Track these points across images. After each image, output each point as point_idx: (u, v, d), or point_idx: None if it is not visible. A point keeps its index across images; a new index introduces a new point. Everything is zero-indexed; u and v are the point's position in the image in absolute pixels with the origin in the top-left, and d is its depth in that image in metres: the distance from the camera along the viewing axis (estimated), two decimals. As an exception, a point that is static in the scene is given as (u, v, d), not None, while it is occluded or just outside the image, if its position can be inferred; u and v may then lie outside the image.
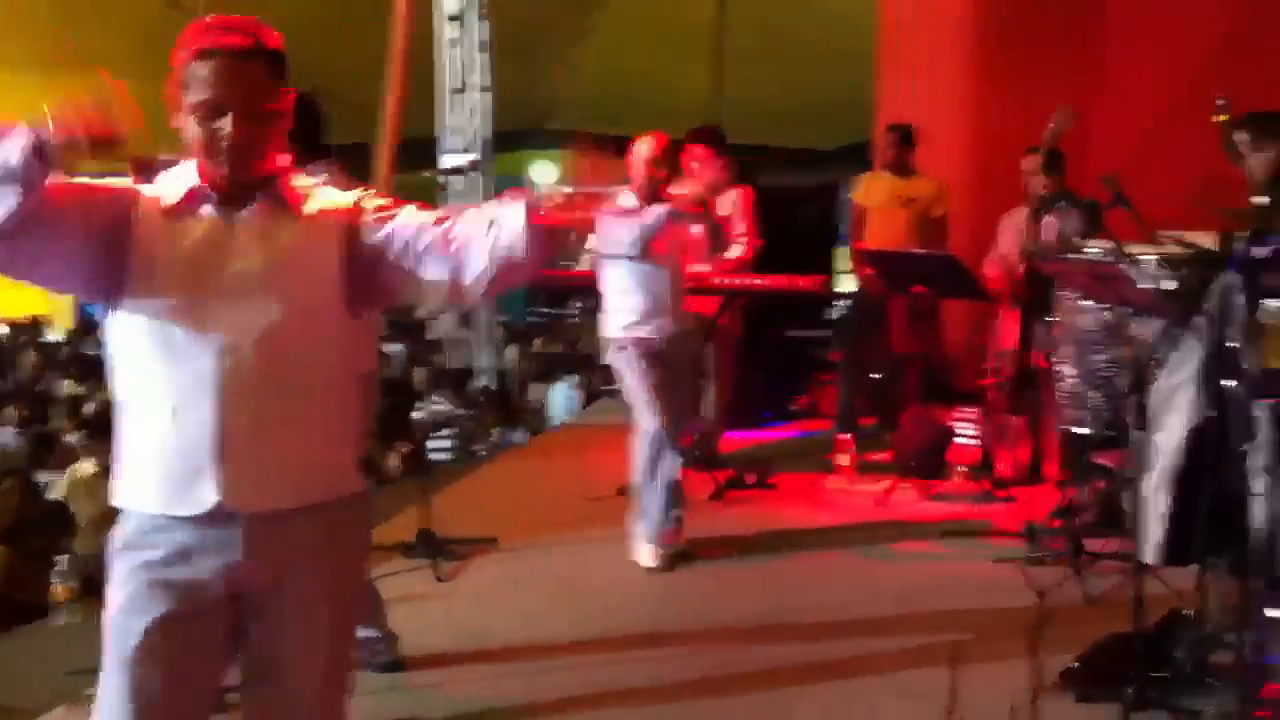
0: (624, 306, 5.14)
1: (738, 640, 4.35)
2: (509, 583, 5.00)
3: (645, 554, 5.10)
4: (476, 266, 2.17)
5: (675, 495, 5.12)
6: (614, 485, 5.92)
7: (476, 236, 2.17)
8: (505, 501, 6.36)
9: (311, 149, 3.65)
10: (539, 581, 5.02)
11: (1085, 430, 5.06)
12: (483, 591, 4.90)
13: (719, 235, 5.20)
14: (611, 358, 5.25)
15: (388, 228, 2.24)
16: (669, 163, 5.21)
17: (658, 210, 5.06)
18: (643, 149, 5.12)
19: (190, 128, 2.15)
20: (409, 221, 2.25)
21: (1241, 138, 4.50)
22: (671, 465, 5.07)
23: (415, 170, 10.00)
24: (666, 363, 5.14)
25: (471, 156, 9.54)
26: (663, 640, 4.36)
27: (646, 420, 5.08)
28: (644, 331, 5.12)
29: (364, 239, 2.23)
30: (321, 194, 2.29)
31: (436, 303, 2.20)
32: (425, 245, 2.20)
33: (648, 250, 5.06)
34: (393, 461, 7.87)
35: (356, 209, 2.27)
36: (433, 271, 2.21)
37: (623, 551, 5.17)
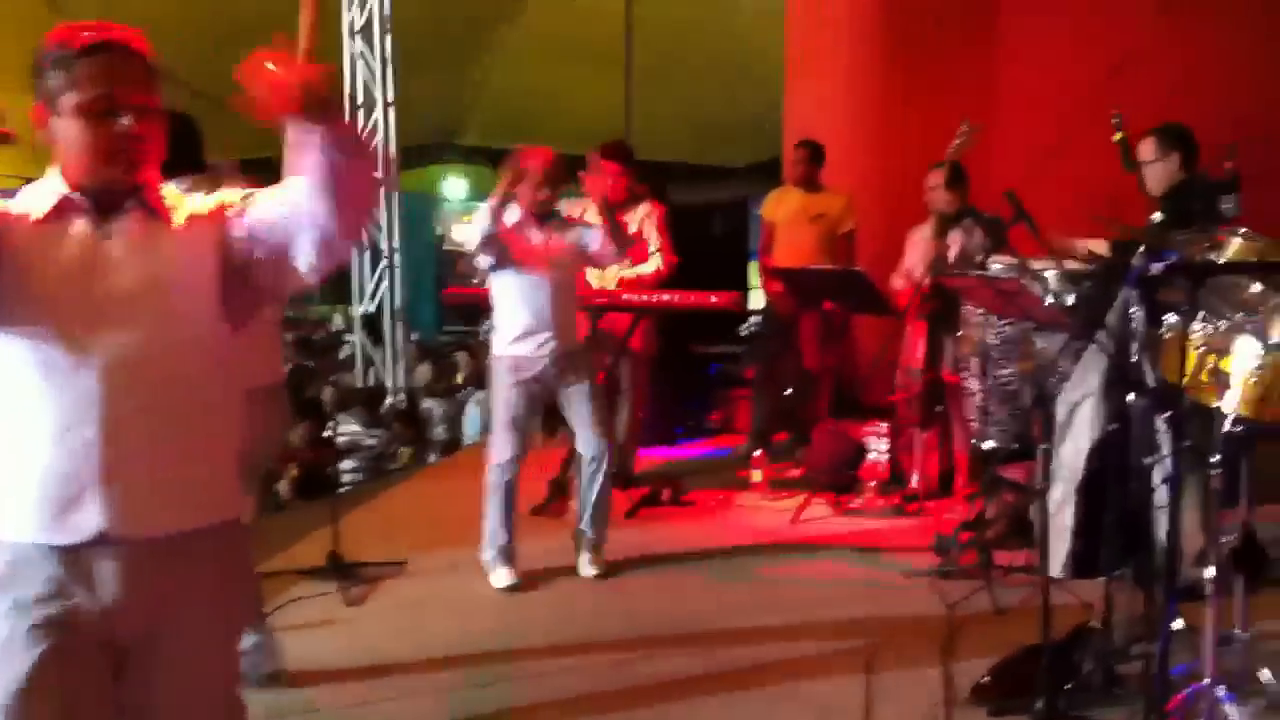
0: (505, 323, 5.08)
1: (649, 657, 4.32)
2: (418, 606, 4.92)
3: (499, 577, 5.06)
4: (309, 180, 2.03)
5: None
6: (526, 504, 5.85)
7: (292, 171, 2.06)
8: (416, 523, 6.26)
9: (188, 165, 3.61)
10: (448, 604, 4.94)
11: (992, 444, 5.12)
12: (391, 615, 4.81)
13: (620, 233, 5.15)
14: (491, 377, 5.21)
15: (250, 214, 2.15)
16: (556, 179, 5.13)
17: (486, 205, 4.98)
18: (542, 160, 5.06)
19: (71, 131, 2.07)
20: (266, 198, 2.16)
21: (1148, 147, 4.61)
22: (508, 494, 5.06)
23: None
24: (549, 383, 5.09)
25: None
26: (573, 658, 4.31)
27: (498, 449, 5.05)
28: (523, 349, 5.05)
29: (233, 236, 2.15)
30: (187, 203, 2.22)
31: (320, 263, 2.06)
32: (284, 211, 2.10)
33: (504, 258, 4.99)
34: (284, 485, 7.69)
35: (220, 210, 2.19)
36: (298, 231, 2.09)
37: (532, 571, 5.13)
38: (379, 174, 2.05)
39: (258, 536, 4.38)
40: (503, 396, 5.07)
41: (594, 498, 5.22)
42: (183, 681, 2.17)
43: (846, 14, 8.44)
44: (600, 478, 5.18)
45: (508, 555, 5.08)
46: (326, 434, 8.07)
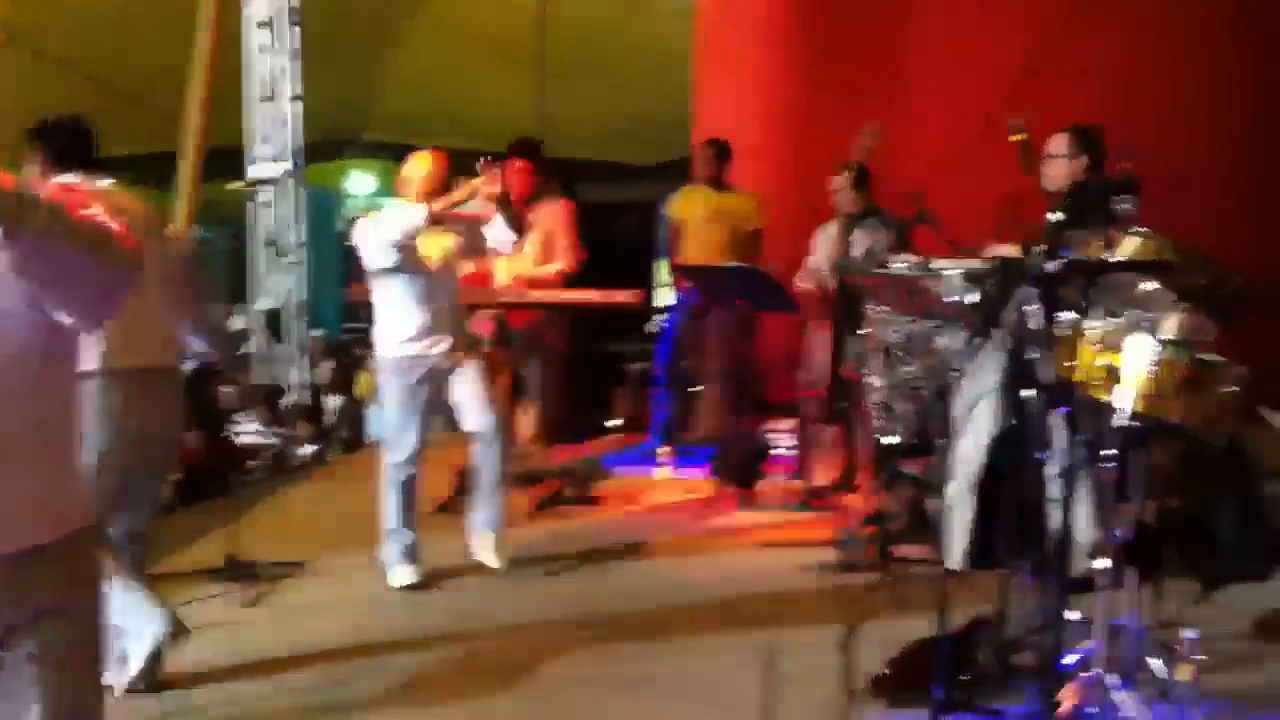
0: (397, 323, 4.99)
1: (551, 654, 4.29)
2: (318, 606, 4.84)
3: (400, 575, 5.00)
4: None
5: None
6: (433, 502, 5.80)
7: None
8: (317, 522, 6.17)
9: (77, 164, 3.61)
10: (345, 604, 4.87)
11: (894, 439, 5.19)
12: (291, 615, 4.72)
13: (476, 235, 5.17)
14: (380, 378, 5.13)
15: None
16: (445, 181, 5.03)
17: (417, 211, 4.88)
18: (417, 168, 5.01)
19: None
20: None
21: (1060, 142, 4.70)
22: (407, 492, 5.01)
23: (224, 181, 9.64)
24: (440, 379, 5.03)
25: (284, 166, 9.25)
26: (475, 655, 4.28)
27: (394, 448, 5.01)
28: (417, 349, 4.98)
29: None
30: None
31: (80, 323, 1.99)
32: None
33: (408, 259, 4.92)
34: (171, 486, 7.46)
35: None
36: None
37: (437, 569, 5.09)
38: (122, 252, 1.91)
39: (155, 537, 4.31)
40: (396, 396, 5.00)
41: (485, 478, 5.14)
42: (41, 683, 2.09)
43: (758, 16, 8.51)
44: (492, 456, 5.11)
45: (409, 553, 5.02)
46: (225, 434, 7.92)
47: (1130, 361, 3.16)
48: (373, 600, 4.89)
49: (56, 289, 1.91)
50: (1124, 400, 3.18)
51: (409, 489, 5.01)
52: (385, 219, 4.95)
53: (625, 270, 8.58)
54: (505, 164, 6.48)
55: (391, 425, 5.07)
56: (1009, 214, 4.27)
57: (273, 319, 9.95)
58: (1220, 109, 8.14)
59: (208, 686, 3.92)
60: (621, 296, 6.48)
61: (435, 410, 5.22)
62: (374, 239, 4.89)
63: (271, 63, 9.28)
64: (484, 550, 5.19)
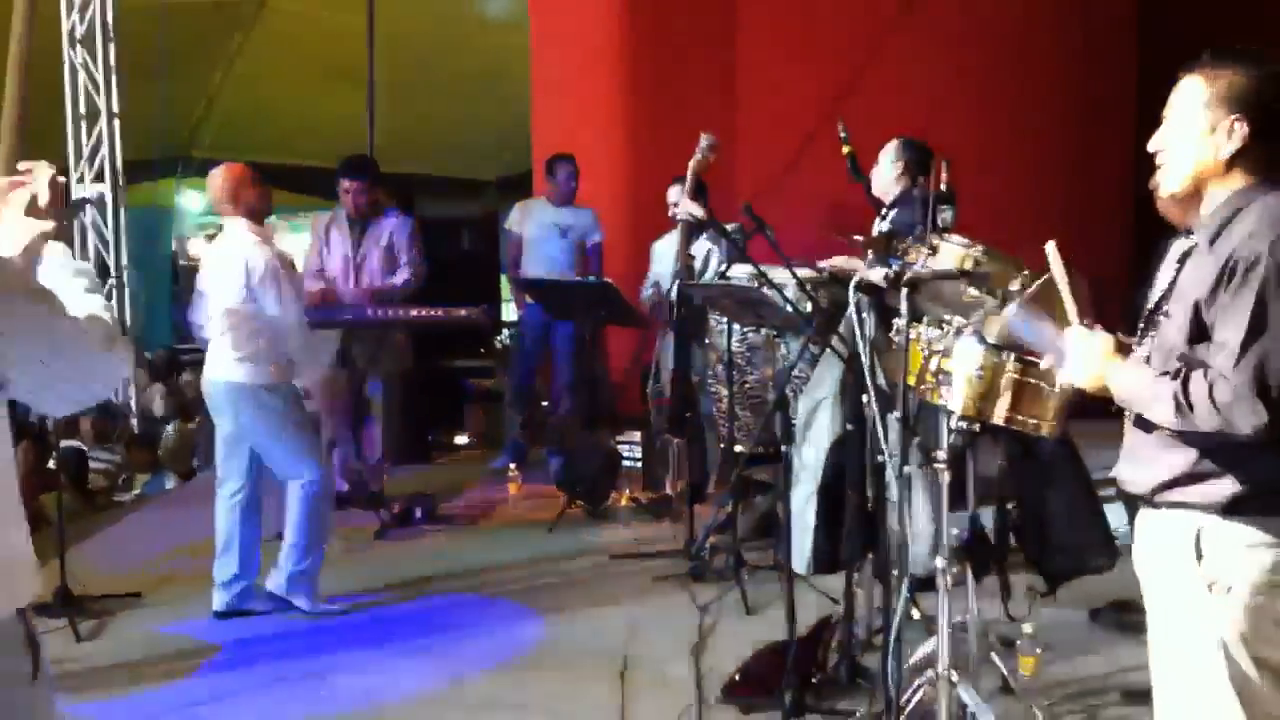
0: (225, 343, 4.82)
1: (399, 673, 4.24)
2: (154, 640, 4.67)
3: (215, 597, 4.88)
4: None
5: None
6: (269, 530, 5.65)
7: None
8: (152, 552, 5.94)
9: None
10: (187, 636, 4.70)
11: (740, 448, 5.27)
12: (126, 650, 4.54)
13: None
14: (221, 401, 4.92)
15: None
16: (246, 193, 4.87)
17: None
18: (216, 180, 4.86)
19: None
20: None
21: (889, 152, 4.84)
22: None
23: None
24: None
25: (102, 187, 8.91)
26: (317, 685, 4.17)
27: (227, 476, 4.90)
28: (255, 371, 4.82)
29: None
30: None
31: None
32: None
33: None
34: None
35: None
36: None
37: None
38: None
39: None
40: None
41: (292, 520, 4.92)
42: None
43: (589, 32, 8.54)
44: (303, 497, 4.90)
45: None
46: (50, 464, 7.56)
47: (959, 365, 3.26)
48: (207, 630, 4.73)
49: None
50: (954, 403, 3.28)
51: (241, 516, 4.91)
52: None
53: (469, 285, 8.53)
54: (338, 184, 6.43)
55: (222, 453, 4.94)
56: (834, 224, 4.38)
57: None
58: (1036, 116, 8.52)
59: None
60: (465, 312, 6.44)
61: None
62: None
63: (89, 80, 8.94)
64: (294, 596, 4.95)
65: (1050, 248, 2.51)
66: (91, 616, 4.81)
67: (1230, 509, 2.20)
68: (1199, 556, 2.22)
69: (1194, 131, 2.25)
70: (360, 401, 6.59)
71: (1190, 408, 2.13)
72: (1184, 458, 2.24)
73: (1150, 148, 2.34)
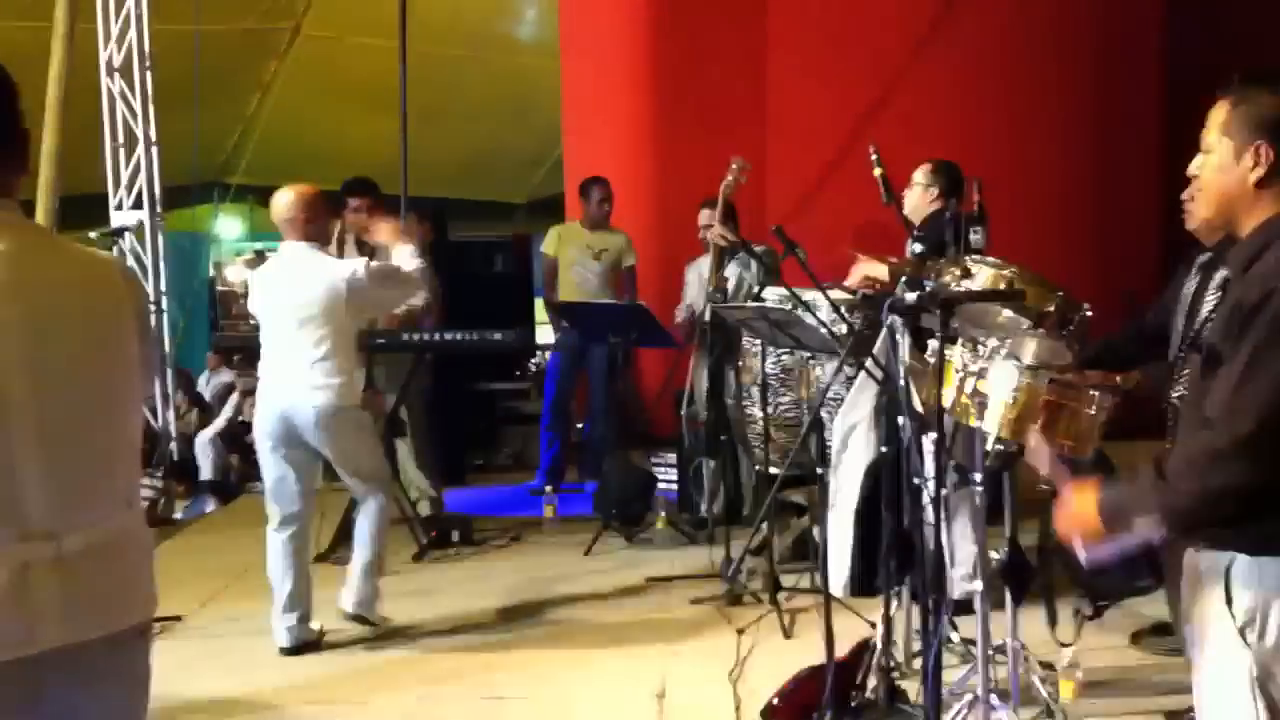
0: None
1: (436, 698, 4.25)
2: (195, 660, 4.70)
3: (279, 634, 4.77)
4: None
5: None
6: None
7: None
8: (192, 574, 5.98)
9: None
10: (226, 658, 4.74)
11: (775, 470, 5.25)
12: (165, 672, 4.56)
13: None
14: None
15: None
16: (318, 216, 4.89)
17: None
18: (289, 202, 4.78)
19: None
20: None
21: (923, 173, 4.84)
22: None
23: (84, 228, 9.36)
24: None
25: (141, 214, 9.00)
26: (354, 708, 4.20)
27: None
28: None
29: None
30: None
31: None
32: None
33: None
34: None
35: None
36: None
37: (315, 622, 4.96)
38: None
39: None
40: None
41: (368, 537, 4.94)
42: None
43: (619, 57, 8.60)
44: (379, 512, 4.95)
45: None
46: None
47: (994, 387, 3.25)
48: (250, 655, 4.76)
49: None
50: (990, 425, 3.27)
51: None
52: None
53: (502, 307, 8.58)
54: (343, 205, 6.45)
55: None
56: (863, 247, 4.38)
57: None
58: (1066, 133, 8.48)
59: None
60: (498, 336, 6.44)
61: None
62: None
63: (126, 108, 9.06)
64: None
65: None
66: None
67: (1260, 547, 2.15)
68: (1229, 601, 2.18)
69: (1223, 158, 2.22)
70: (395, 420, 6.61)
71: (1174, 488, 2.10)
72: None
73: (1190, 172, 2.32)
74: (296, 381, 4.69)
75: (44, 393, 1.91)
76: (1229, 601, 2.18)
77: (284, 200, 4.77)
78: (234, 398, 10.27)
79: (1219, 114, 2.24)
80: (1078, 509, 2.25)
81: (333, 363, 4.70)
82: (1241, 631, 2.17)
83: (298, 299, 4.70)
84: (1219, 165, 2.23)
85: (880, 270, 4.23)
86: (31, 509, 1.89)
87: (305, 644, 4.77)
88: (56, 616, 1.92)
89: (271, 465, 4.78)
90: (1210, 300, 2.37)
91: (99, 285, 2.06)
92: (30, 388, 1.89)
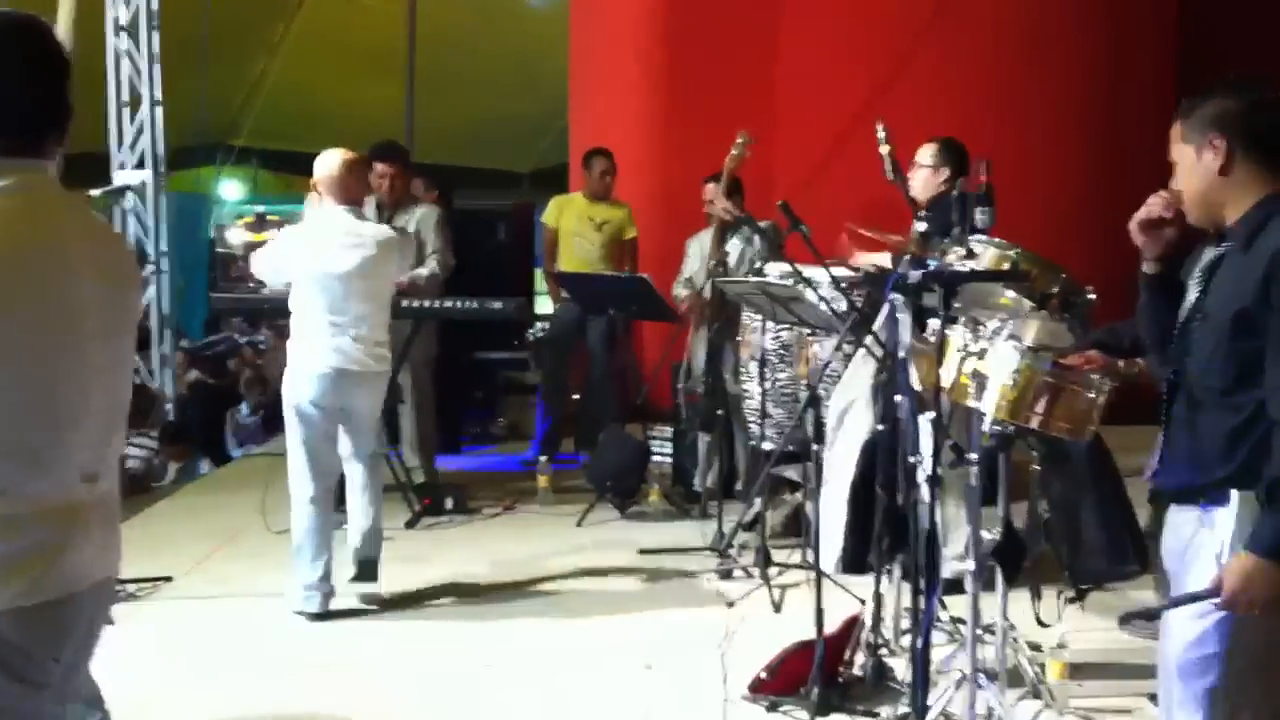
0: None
1: (432, 667, 4.26)
2: (186, 622, 4.72)
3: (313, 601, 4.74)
4: None
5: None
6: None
7: None
8: (184, 536, 5.99)
9: None
10: (217, 620, 4.76)
11: (770, 446, 5.26)
12: (158, 633, 4.59)
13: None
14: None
15: None
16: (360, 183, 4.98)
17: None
18: (335, 164, 4.75)
19: None
20: None
21: (928, 153, 4.82)
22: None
23: (85, 187, 9.34)
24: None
25: (145, 174, 8.98)
26: (347, 674, 4.21)
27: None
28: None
29: None
30: None
31: None
32: None
33: None
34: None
35: None
36: None
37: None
38: None
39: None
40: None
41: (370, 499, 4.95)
42: None
43: (628, 27, 8.56)
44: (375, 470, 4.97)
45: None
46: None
47: (994, 368, 3.25)
48: (239, 616, 4.77)
49: None
50: (988, 406, 3.26)
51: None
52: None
53: (503, 277, 8.56)
54: (370, 168, 6.40)
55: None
56: (869, 224, 4.36)
57: (139, 331, 9.59)
58: (1073, 116, 8.44)
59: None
60: (498, 305, 6.43)
61: None
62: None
63: (132, 67, 9.02)
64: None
65: None
66: (124, 599, 4.84)
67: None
68: (1213, 528, 2.28)
69: (1187, 164, 2.41)
70: (393, 388, 6.59)
71: None
72: (1232, 465, 2.27)
73: (1172, 188, 2.49)
74: (351, 343, 4.70)
75: (106, 356, 2.13)
76: (1213, 530, 2.29)
77: (334, 162, 4.76)
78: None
79: (1174, 131, 2.43)
80: (1257, 584, 2.19)
81: (380, 324, 4.83)
82: (1217, 558, 2.26)
83: (351, 262, 4.69)
84: (1187, 170, 2.41)
85: (883, 259, 4.23)
86: (85, 454, 2.10)
87: (331, 610, 4.77)
88: (99, 550, 2.13)
89: (313, 434, 4.72)
90: (1195, 289, 2.42)
91: (128, 258, 2.37)
92: (101, 353, 2.11)
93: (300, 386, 4.70)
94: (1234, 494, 2.25)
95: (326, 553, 4.73)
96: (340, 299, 4.68)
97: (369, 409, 4.89)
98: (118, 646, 4.35)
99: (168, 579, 5.17)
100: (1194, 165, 2.39)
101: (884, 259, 4.31)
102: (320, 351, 4.68)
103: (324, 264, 4.69)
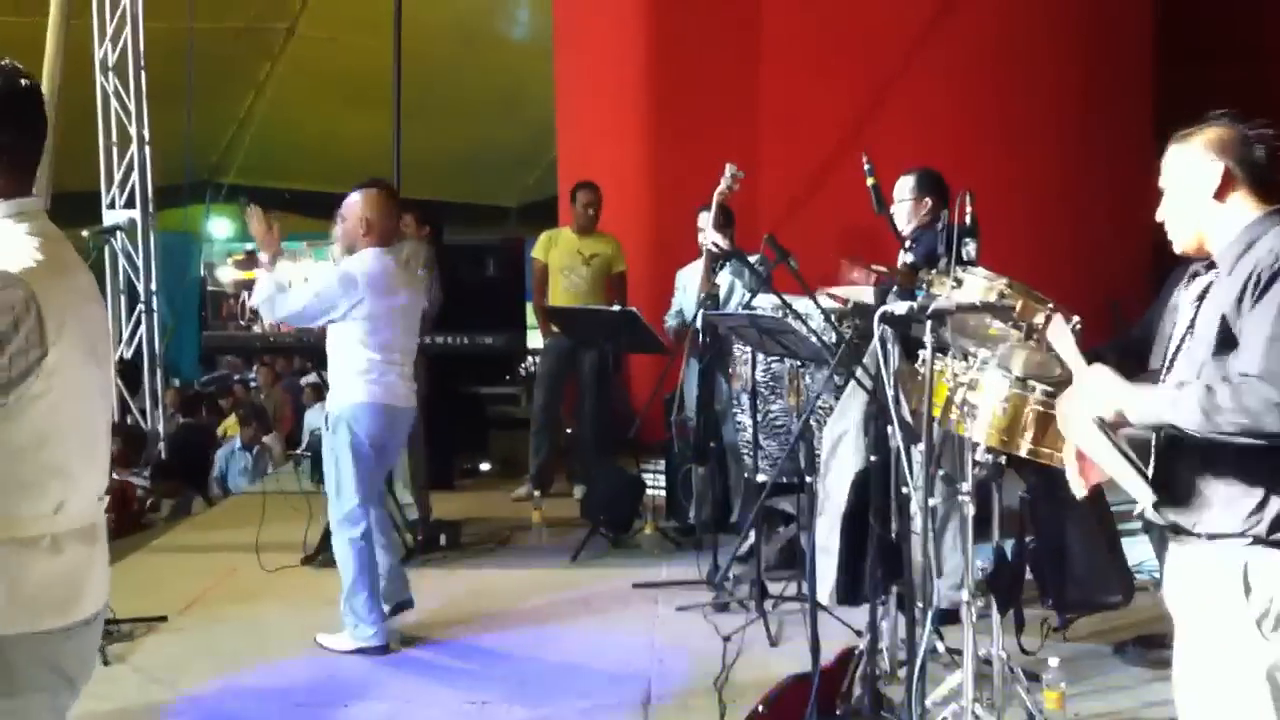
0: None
1: (420, 702, 4.25)
2: (180, 662, 4.69)
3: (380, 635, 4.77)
4: None
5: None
6: (296, 555, 5.70)
7: None
8: (178, 575, 5.97)
9: None
10: (211, 660, 4.73)
11: (763, 477, 5.26)
12: (153, 673, 4.57)
13: None
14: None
15: None
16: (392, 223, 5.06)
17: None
18: (370, 205, 4.86)
19: None
20: None
21: (906, 186, 4.85)
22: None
23: (73, 227, 9.35)
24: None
25: (133, 213, 8.99)
26: (337, 712, 4.20)
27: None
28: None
29: None
30: None
31: None
32: None
33: None
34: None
35: None
36: None
37: (301, 625, 4.96)
38: None
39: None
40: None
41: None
42: None
43: (612, 59, 8.60)
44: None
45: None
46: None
47: (985, 397, 3.26)
48: (233, 656, 4.75)
49: None
50: (979, 435, 3.27)
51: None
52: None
53: (493, 312, 8.57)
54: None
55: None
56: (854, 254, 4.38)
57: (131, 369, 9.58)
58: (1055, 145, 8.49)
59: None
60: (490, 340, 6.45)
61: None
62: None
63: (120, 107, 9.06)
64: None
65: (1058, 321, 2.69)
66: (118, 639, 4.83)
67: (1275, 537, 2.20)
68: (1247, 590, 2.22)
69: (1180, 187, 2.44)
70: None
71: (1216, 408, 2.14)
72: (1225, 487, 2.25)
73: (1157, 218, 2.52)
74: (406, 381, 4.88)
75: (110, 378, 2.32)
76: (1246, 591, 2.22)
77: (384, 202, 4.93)
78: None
79: (1168, 156, 2.47)
80: (1102, 383, 2.34)
81: (410, 362, 4.95)
82: (1258, 622, 2.21)
83: (404, 302, 4.89)
84: (1179, 194, 2.44)
85: (865, 294, 4.24)
86: (102, 475, 2.24)
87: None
88: (104, 570, 2.25)
89: (373, 469, 4.83)
90: (1188, 312, 2.43)
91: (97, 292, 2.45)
92: (109, 375, 2.29)
93: (364, 422, 4.75)
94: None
95: (395, 579, 4.94)
96: (398, 335, 4.85)
97: (400, 444, 5.12)
98: (111, 683, 4.38)
99: (162, 618, 5.14)
100: (1188, 189, 2.42)
101: (865, 293, 4.32)
102: (391, 387, 4.81)
103: (387, 302, 4.80)
